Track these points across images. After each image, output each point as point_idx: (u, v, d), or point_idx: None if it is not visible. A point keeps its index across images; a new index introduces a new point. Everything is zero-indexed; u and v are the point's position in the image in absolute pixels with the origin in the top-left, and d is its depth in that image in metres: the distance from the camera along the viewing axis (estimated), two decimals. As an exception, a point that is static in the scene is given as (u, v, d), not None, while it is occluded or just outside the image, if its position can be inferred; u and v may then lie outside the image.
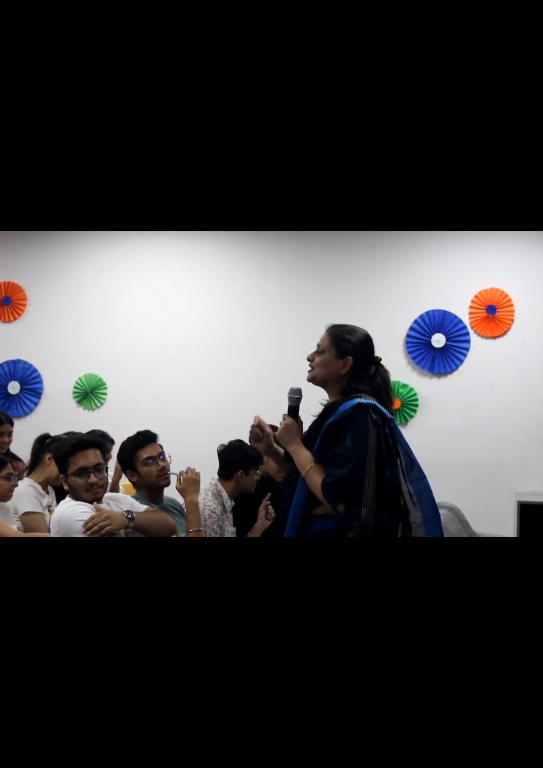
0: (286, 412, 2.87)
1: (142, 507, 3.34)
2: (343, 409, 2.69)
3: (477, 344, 5.81)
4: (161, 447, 3.76)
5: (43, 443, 4.38)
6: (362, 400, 2.71)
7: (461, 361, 5.81)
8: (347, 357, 2.79)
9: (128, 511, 3.08)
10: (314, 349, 2.83)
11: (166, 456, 3.77)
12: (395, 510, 2.73)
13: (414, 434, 5.78)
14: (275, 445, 3.00)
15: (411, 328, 5.87)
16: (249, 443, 3.04)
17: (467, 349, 5.81)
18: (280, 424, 2.83)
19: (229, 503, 4.00)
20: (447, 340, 5.80)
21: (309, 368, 2.84)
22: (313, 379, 2.84)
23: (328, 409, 2.77)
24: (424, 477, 2.87)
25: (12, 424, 4.97)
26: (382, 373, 2.85)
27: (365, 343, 2.86)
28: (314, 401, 2.86)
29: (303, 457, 2.73)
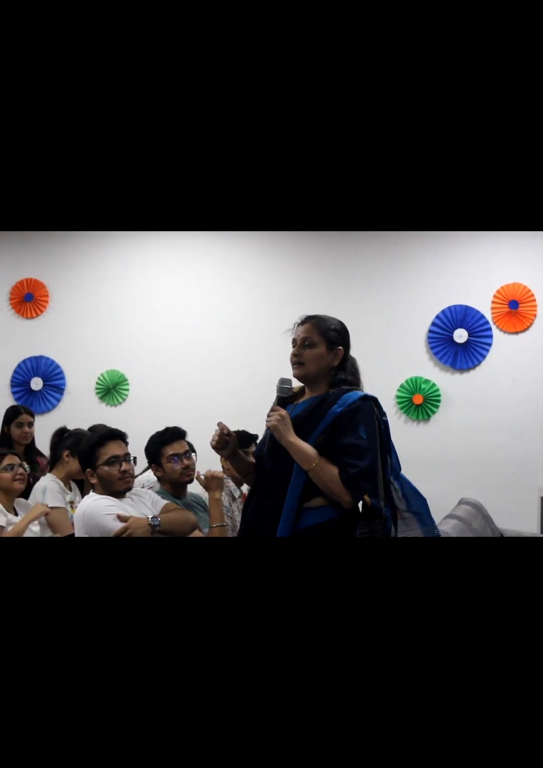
0: (275, 403, 2.77)
1: (163, 502, 3.35)
2: (349, 400, 2.64)
3: (499, 339, 5.77)
4: (189, 444, 3.76)
5: (61, 437, 4.40)
6: (367, 394, 2.69)
7: (484, 357, 5.78)
8: (338, 348, 2.75)
9: (153, 518, 3.08)
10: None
11: (192, 454, 3.77)
12: (391, 505, 2.71)
13: (436, 430, 5.78)
14: (241, 452, 2.96)
15: (433, 324, 5.85)
16: (213, 447, 2.94)
17: (489, 345, 5.78)
18: (272, 415, 2.69)
19: (237, 493, 4.02)
20: (469, 335, 5.78)
21: (298, 364, 2.74)
22: (304, 376, 2.75)
23: (325, 400, 2.69)
24: (400, 469, 2.80)
25: (32, 415, 5.00)
26: (353, 362, 2.82)
27: (346, 332, 2.82)
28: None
29: (306, 450, 2.61)
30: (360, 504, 2.60)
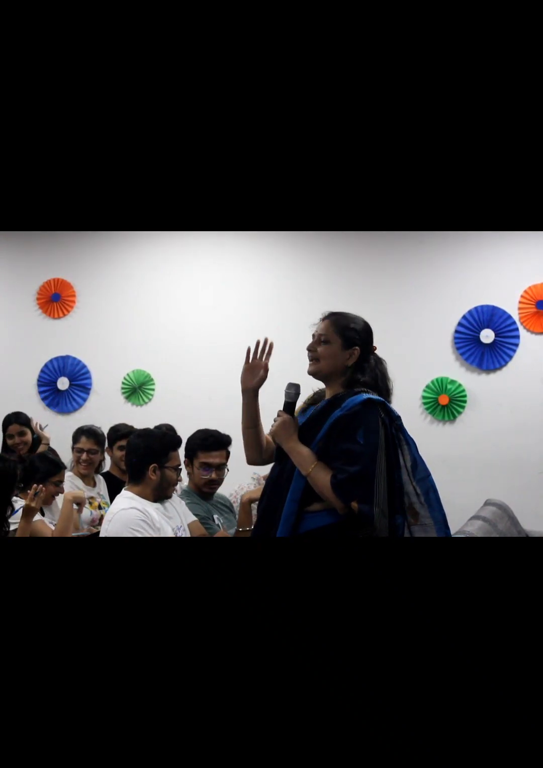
0: (282, 408, 2.77)
1: (192, 517, 3.37)
2: (351, 404, 2.60)
3: (526, 340, 5.73)
4: (226, 454, 3.74)
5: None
6: (371, 396, 2.63)
7: (510, 357, 5.75)
8: (354, 347, 2.70)
9: (179, 528, 3.17)
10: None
11: (225, 469, 3.75)
12: (403, 512, 2.66)
13: (462, 431, 5.76)
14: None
15: (459, 324, 5.82)
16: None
17: (517, 345, 5.74)
18: (277, 420, 2.72)
19: None
20: (496, 335, 5.74)
21: (312, 359, 2.74)
22: (317, 372, 2.73)
23: (332, 403, 2.67)
24: (429, 475, 2.71)
25: (28, 425, 5.05)
26: (379, 364, 2.78)
27: (368, 332, 2.78)
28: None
29: (304, 454, 2.61)
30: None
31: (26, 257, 6.47)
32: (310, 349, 2.74)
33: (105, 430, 4.79)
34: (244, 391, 2.98)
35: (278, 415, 2.73)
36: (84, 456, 4.30)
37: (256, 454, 2.98)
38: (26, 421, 5.09)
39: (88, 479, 4.34)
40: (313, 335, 2.77)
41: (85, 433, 4.40)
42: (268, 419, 2.98)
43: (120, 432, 4.67)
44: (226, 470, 3.75)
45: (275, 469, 2.78)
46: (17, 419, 5.06)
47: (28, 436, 5.04)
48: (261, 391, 2.92)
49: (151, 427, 3.64)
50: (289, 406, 2.76)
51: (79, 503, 3.87)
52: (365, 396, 2.62)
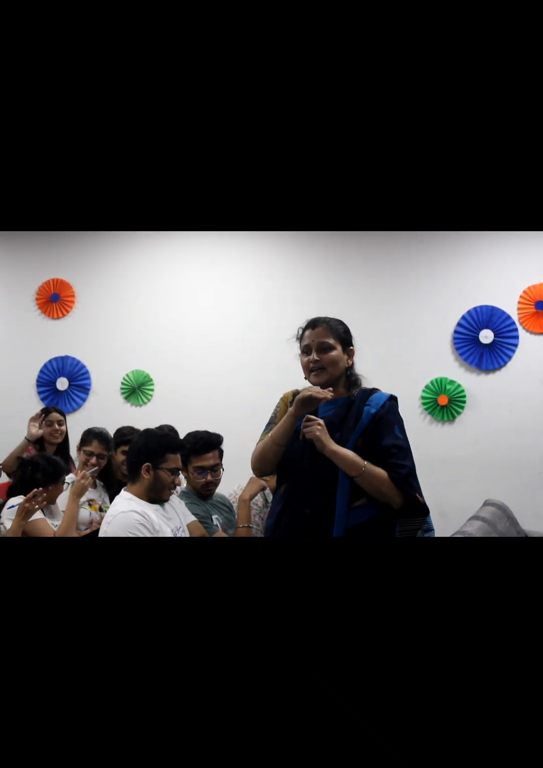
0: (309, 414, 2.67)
1: (191, 517, 3.36)
2: (381, 401, 2.65)
3: (526, 340, 5.74)
4: (219, 454, 3.73)
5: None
6: (391, 393, 2.70)
7: (510, 357, 5.75)
8: (350, 348, 2.75)
9: (178, 528, 3.14)
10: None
11: (220, 468, 3.74)
12: None
13: (461, 431, 5.76)
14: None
15: (458, 324, 5.82)
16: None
17: (516, 345, 5.74)
18: (313, 426, 2.61)
19: (270, 497, 4.01)
20: (495, 336, 5.74)
21: (319, 370, 2.69)
22: (327, 381, 2.69)
23: (352, 402, 2.68)
24: None
25: (63, 414, 5.09)
26: None
27: (349, 329, 2.81)
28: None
29: (351, 456, 2.58)
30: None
31: (26, 257, 6.47)
32: (315, 359, 2.70)
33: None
34: (304, 410, 2.71)
35: (309, 420, 2.63)
36: (93, 459, 4.31)
37: (275, 468, 2.86)
38: (61, 411, 5.15)
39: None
40: (309, 346, 2.73)
41: (97, 436, 4.40)
42: (261, 424, 2.98)
43: (125, 436, 4.66)
44: (221, 470, 3.75)
45: (304, 474, 2.69)
46: (56, 408, 5.14)
47: (65, 426, 5.07)
48: (257, 392, 2.91)
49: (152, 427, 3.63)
50: (315, 410, 2.69)
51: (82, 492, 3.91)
52: (387, 393, 2.69)
